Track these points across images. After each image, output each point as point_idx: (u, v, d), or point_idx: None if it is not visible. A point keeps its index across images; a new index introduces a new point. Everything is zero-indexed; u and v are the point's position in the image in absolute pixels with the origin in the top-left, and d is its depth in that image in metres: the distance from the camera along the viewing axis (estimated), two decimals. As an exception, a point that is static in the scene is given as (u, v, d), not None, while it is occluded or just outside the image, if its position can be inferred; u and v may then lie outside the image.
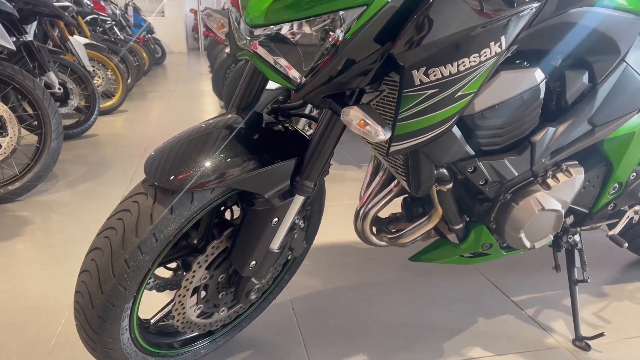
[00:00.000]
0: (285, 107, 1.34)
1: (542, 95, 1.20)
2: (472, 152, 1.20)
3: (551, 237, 1.37)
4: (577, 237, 1.56)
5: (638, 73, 1.33)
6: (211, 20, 1.22)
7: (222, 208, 1.33)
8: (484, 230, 1.36)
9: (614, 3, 1.19)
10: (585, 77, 1.25)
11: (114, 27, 7.93)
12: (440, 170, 1.22)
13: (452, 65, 1.01)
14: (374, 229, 1.52)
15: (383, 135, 1.03)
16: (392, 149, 1.11)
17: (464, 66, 1.01)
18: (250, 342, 1.55)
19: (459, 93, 1.04)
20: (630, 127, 1.37)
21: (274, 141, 1.20)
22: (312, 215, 1.46)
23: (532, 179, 1.31)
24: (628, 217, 1.57)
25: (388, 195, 1.50)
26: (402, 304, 1.77)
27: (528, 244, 1.35)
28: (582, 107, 1.27)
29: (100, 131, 4.48)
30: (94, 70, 5.29)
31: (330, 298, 1.81)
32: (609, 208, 1.53)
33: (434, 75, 1.01)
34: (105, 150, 3.87)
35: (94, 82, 5.30)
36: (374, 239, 1.50)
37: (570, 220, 1.54)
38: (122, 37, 7.93)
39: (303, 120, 2.28)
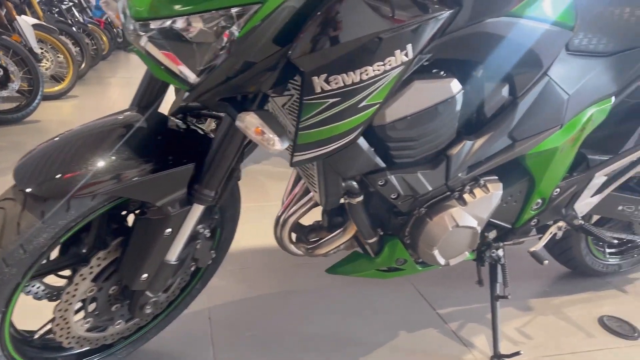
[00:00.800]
0: (194, 106, 1.25)
1: (458, 107, 1.15)
2: (382, 165, 1.14)
3: (467, 253, 1.32)
4: (500, 252, 1.53)
5: (561, 88, 1.29)
6: (109, 9, 1.12)
7: (125, 213, 1.24)
8: (398, 244, 1.30)
9: (536, 15, 1.14)
10: (505, 90, 1.21)
11: (73, 9, 7.64)
12: (349, 182, 1.16)
13: (354, 73, 0.94)
14: (294, 237, 1.45)
15: (279, 145, 0.95)
16: (294, 158, 1.04)
17: (367, 75, 0.94)
18: (154, 353, 1.46)
19: (363, 103, 0.98)
20: (552, 143, 1.33)
21: (171, 144, 1.12)
22: (224, 223, 1.38)
23: (448, 193, 1.26)
24: (551, 233, 1.54)
25: (309, 202, 1.42)
26: (325, 315, 1.70)
27: (442, 261, 1.30)
28: (501, 121, 1.23)
29: (43, 117, 4.29)
30: (42, 53, 5.06)
31: (251, 306, 1.74)
32: (532, 223, 1.50)
33: (336, 83, 0.95)
34: (45, 137, 3.69)
35: (42, 65, 5.09)
36: (292, 247, 1.43)
37: (492, 235, 1.50)
38: (80, 20, 7.65)
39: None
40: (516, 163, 1.37)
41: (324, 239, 1.36)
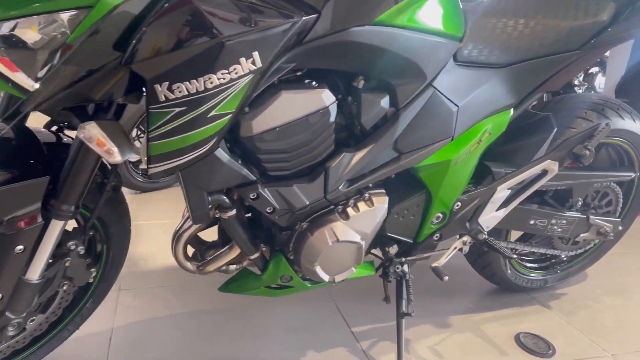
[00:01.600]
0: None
1: (332, 119, 1.12)
2: (252, 178, 1.10)
3: (353, 269, 1.28)
4: (405, 268, 1.49)
5: (449, 99, 1.26)
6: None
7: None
8: (282, 261, 1.26)
9: (415, 24, 1.12)
10: (386, 101, 1.18)
11: None
12: (217, 196, 1.11)
13: (197, 82, 0.90)
14: (190, 253, 1.39)
15: (119, 157, 0.91)
16: (150, 170, 0.99)
17: (212, 83, 0.91)
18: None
19: (213, 113, 0.94)
20: (444, 155, 1.30)
21: (32, 156, 1.07)
22: (110, 239, 1.32)
23: (332, 207, 1.22)
24: (455, 248, 1.51)
25: (204, 218, 1.37)
26: (235, 335, 1.64)
27: (326, 277, 1.25)
28: (383, 133, 1.19)
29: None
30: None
31: (159, 327, 1.67)
32: (435, 238, 1.47)
33: (180, 92, 0.91)
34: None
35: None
36: (186, 264, 1.37)
37: (393, 250, 1.46)
38: None
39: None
40: (411, 177, 1.34)
41: (213, 256, 1.31)
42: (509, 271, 1.85)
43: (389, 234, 1.40)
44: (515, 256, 1.50)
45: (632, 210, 1.91)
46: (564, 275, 1.99)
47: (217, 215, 1.15)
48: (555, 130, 1.53)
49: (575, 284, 2.07)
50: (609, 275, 2.16)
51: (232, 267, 1.36)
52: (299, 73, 1.11)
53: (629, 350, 1.65)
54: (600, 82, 5.27)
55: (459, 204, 1.44)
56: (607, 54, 5.08)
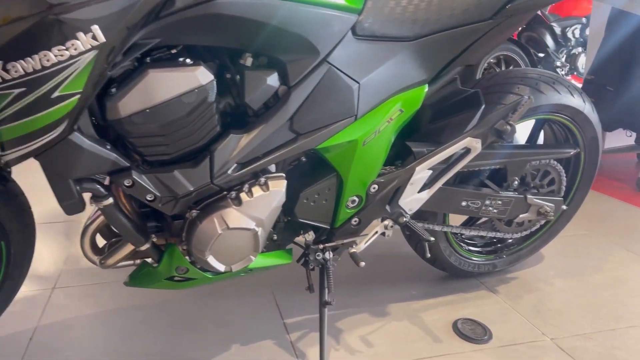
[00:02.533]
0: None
1: (211, 98, 1.06)
2: (124, 164, 1.04)
3: (252, 258, 1.22)
4: (327, 255, 1.43)
5: (348, 76, 1.20)
6: None
7: None
8: (176, 251, 1.20)
9: (301, -5, 1.05)
10: (273, 79, 1.11)
11: None
12: (88, 184, 1.06)
13: (33, 60, 0.84)
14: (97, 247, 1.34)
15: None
16: (3, 158, 0.94)
17: (48, 61, 0.85)
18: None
19: (57, 93, 0.88)
20: (349, 135, 1.24)
21: None
22: (9, 236, 1.27)
23: (225, 193, 1.16)
24: (376, 232, 1.44)
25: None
26: (163, 330, 1.59)
27: (221, 267, 1.19)
28: (273, 113, 1.13)
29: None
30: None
31: (85, 325, 1.62)
32: (354, 223, 1.40)
33: (16, 71, 0.85)
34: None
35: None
36: (93, 258, 1.31)
37: (310, 237, 1.40)
38: None
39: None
40: (319, 159, 1.28)
41: (112, 249, 1.26)
42: (452, 257, 1.79)
43: (302, 220, 1.34)
44: (432, 239, 1.43)
45: (580, 189, 1.84)
46: (514, 258, 1.92)
47: (93, 205, 1.10)
48: (484, 106, 1.46)
49: (528, 267, 2.01)
50: (566, 257, 2.09)
51: (138, 260, 1.30)
52: (174, 50, 1.05)
53: (569, 334, 1.59)
54: (582, 62, 5.18)
55: (376, 186, 1.37)
56: (587, 32, 5.00)
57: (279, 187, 1.18)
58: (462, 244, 1.83)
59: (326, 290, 1.41)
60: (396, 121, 1.32)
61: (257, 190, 1.16)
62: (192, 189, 1.10)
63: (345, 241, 1.43)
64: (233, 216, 1.13)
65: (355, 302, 1.74)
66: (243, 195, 1.15)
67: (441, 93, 1.57)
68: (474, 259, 1.85)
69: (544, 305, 1.75)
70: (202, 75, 1.04)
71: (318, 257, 1.42)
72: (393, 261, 2.01)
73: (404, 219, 1.42)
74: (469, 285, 1.87)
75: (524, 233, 1.80)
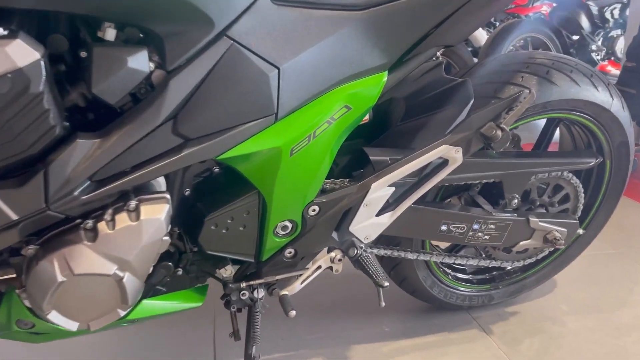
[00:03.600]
0: None
1: (41, 87, 0.72)
2: None
3: (120, 312, 0.88)
4: (255, 294, 1.09)
5: (263, 58, 0.84)
6: None
7: None
8: (14, 299, 0.87)
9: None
10: (142, 60, 0.77)
11: None
12: None
13: None
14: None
15: None
16: None
17: None
18: None
19: None
20: (268, 142, 0.89)
21: None
22: None
23: (79, 221, 0.82)
24: (319, 267, 1.09)
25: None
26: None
27: (73, 326, 0.86)
28: (145, 109, 0.79)
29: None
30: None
31: None
32: (287, 254, 1.06)
33: None
34: None
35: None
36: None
37: (228, 272, 1.06)
38: None
39: None
40: (233, 173, 0.93)
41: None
42: (435, 287, 1.43)
43: (212, 253, 0.99)
44: (386, 284, 1.07)
45: (603, 207, 1.45)
46: (515, 289, 1.55)
47: None
48: (473, 101, 1.09)
49: (533, 298, 1.63)
50: (583, 284, 1.70)
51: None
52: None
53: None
54: (621, 46, 4.64)
55: (315, 208, 1.02)
56: (627, 12, 4.44)
57: (155, 214, 0.83)
58: (447, 270, 1.46)
59: (251, 342, 1.07)
60: (341, 122, 0.96)
61: (122, 219, 0.82)
62: (15, 217, 0.76)
63: (278, 277, 1.09)
64: (82, 256, 0.80)
65: (307, 342, 1.40)
66: (102, 226, 0.81)
67: (420, 82, 1.20)
68: (463, 289, 1.48)
69: (549, 355, 1.38)
70: (23, 53, 0.69)
71: (243, 297, 1.08)
72: (363, 285, 1.65)
73: (357, 251, 1.07)
74: (456, 321, 1.51)
75: (528, 261, 1.42)
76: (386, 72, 0.98)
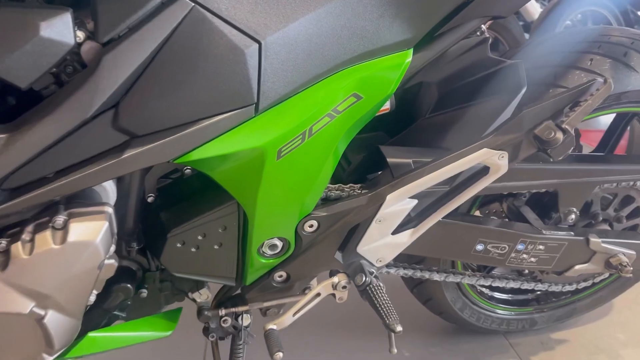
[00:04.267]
0: None
1: None
2: None
3: (47, 357, 0.68)
4: (240, 321, 0.88)
5: (238, 28, 0.61)
6: None
7: None
8: None
9: None
10: (64, 27, 0.55)
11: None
12: None
13: None
14: None
15: None
16: None
17: None
18: None
19: None
20: (247, 141, 0.67)
21: None
22: None
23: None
24: (318, 294, 0.87)
25: None
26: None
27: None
28: (71, 94, 0.58)
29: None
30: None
31: None
32: (278, 278, 0.84)
33: None
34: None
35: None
36: None
37: (204, 296, 0.86)
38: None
39: None
40: (202, 177, 0.71)
41: None
42: (467, 310, 1.19)
43: (180, 275, 0.79)
44: (399, 329, 0.83)
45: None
46: (563, 313, 1.30)
47: None
48: (525, 90, 0.84)
49: (584, 323, 1.38)
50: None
51: None
52: None
53: None
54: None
55: (313, 223, 0.80)
56: None
57: (87, 236, 0.63)
58: (482, 290, 1.22)
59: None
60: (347, 115, 0.72)
61: (43, 241, 0.61)
62: None
63: (267, 304, 0.88)
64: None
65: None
66: (16, 250, 0.61)
67: (458, 63, 0.95)
68: (500, 312, 1.24)
69: (601, 401, 1.13)
70: None
71: (225, 325, 0.88)
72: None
73: (366, 278, 0.84)
74: (491, 348, 1.28)
75: (582, 285, 1.17)
76: (411, 50, 0.74)
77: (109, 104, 0.59)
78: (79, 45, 0.58)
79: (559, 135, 0.75)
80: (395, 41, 0.71)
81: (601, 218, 1.07)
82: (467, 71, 0.93)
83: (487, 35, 0.97)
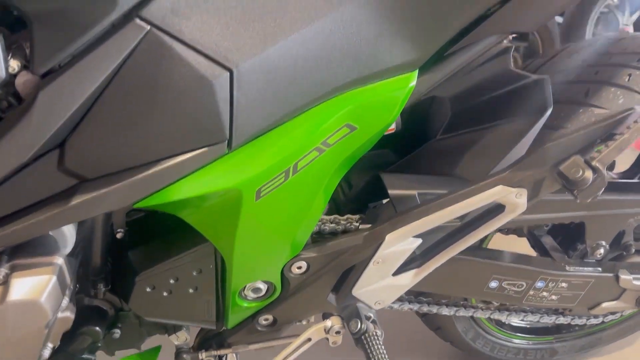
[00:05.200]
0: None
1: None
2: None
3: None
4: (226, 362, 0.80)
5: (204, 54, 0.52)
6: None
7: None
8: None
9: None
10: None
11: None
12: None
13: None
14: None
15: None
16: None
17: None
18: None
19: None
20: (219, 182, 0.58)
21: None
22: None
23: None
24: (309, 340, 0.78)
25: None
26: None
27: None
28: (4, 134, 0.49)
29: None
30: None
31: None
32: (263, 322, 0.75)
33: None
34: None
35: None
36: None
37: (182, 338, 0.77)
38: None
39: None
40: (174, 219, 0.62)
41: None
42: (480, 340, 1.09)
43: (155, 320, 0.71)
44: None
45: None
46: (587, 343, 1.19)
47: None
48: (550, 111, 0.73)
49: (611, 352, 1.26)
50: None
51: None
52: None
53: None
54: None
55: (302, 265, 0.70)
56: None
57: (30, 294, 0.54)
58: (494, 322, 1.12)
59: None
60: (339, 148, 0.63)
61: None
62: None
63: (252, 347, 0.79)
64: None
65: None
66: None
67: (475, 77, 0.84)
68: (517, 341, 1.14)
69: None
70: None
71: (208, 367, 0.80)
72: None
73: (361, 325, 0.74)
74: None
75: (609, 319, 1.06)
76: (416, 72, 0.63)
77: (51, 144, 0.51)
78: (12, 77, 0.48)
79: (588, 174, 0.64)
80: (397, 64, 0.61)
81: (634, 250, 0.95)
82: (485, 86, 0.82)
83: (509, 45, 0.86)
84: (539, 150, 0.66)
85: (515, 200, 0.68)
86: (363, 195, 0.82)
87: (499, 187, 0.67)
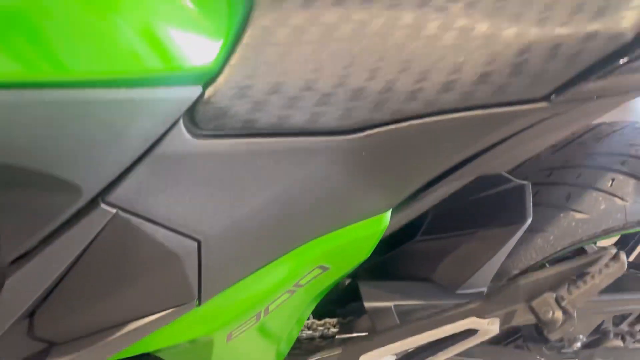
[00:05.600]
0: None
1: None
2: None
3: None
4: None
5: (169, 228, 0.52)
6: None
7: None
8: None
9: None
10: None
11: None
12: None
13: None
14: None
15: None
16: None
17: None
18: None
19: None
20: (190, 331, 0.59)
21: None
22: None
23: None
24: None
25: None
26: None
27: None
28: None
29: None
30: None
31: None
32: None
33: None
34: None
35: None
36: None
37: None
38: None
39: None
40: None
41: None
42: None
43: None
44: None
45: None
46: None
47: None
48: (528, 222, 0.73)
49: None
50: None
51: None
52: None
53: None
54: None
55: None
56: None
57: None
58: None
59: None
60: (312, 287, 0.63)
61: None
62: None
63: None
64: None
65: None
66: None
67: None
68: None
69: None
70: None
71: None
72: None
73: None
74: None
75: None
76: (389, 213, 0.63)
77: (20, 319, 0.51)
78: (-21, 261, 0.49)
79: (558, 315, 0.64)
80: (369, 210, 0.61)
81: (612, 334, 0.96)
82: (467, 187, 0.82)
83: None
84: (512, 286, 0.67)
85: (487, 327, 0.69)
86: (342, 297, 0.83)
87: (471, 319, 0.68)
